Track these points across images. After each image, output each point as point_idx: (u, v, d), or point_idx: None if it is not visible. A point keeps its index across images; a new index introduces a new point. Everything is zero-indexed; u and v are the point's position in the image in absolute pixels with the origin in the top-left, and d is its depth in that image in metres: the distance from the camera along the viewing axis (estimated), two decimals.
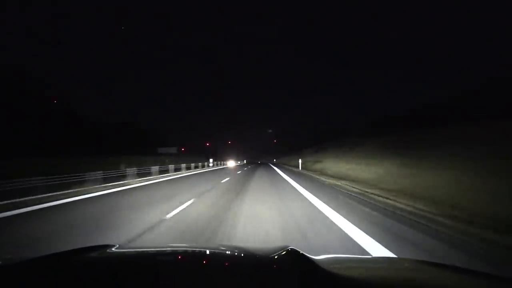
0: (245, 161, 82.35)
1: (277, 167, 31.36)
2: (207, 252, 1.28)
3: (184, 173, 19.56)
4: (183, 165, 22.07)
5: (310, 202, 6.26)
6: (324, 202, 6.11)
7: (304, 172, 18.59)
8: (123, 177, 12.81)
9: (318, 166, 20.21)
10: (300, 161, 24.36)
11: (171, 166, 19.01)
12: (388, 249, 2.98)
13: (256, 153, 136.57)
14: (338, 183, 10.08)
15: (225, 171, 22.72)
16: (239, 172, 19.93)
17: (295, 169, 23.16)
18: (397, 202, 5.75)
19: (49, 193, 7.85)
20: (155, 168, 15.92)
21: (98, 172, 10.95)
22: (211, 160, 32.83)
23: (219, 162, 42.91)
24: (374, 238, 3.37)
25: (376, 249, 3.00)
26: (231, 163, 53.61)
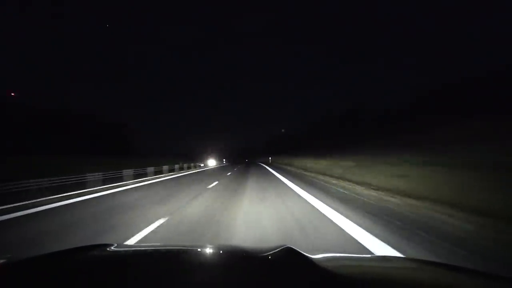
0: (224, 160, 68.29)
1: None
2: (205, 251, 1.23)
3: None
4: None
5: None
6: None
7: None
8: None
9: None
10: None
11: None
12: None
13: (244, 152, 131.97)
14: None
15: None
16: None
17: None
18: None
19: None
20: None
21: None
22: None
23: (188, 165, 27.16)
24: None
25: None
26: (211, 163, 45.85)
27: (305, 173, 15.51)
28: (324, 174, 12.54)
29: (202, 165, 37.77)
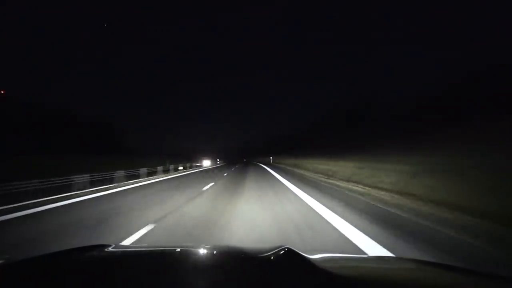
0: (218, 160, 66.11)
1: None
2: (203, 251, 1.22)
3: None
4: None
5: None
6: None
7: None
8: None
9: None
10: None
11: None
12: None
13: (243, 152, 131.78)
14: None
15: None
16: None
17: None
18: None
19: None
20: None
21: None
22: None
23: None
24: None
25: None
26: (205, 163, 46.62)
27: (339, 184, 9.75)
28: (377, 187, 7.88)
29: (181, 168, 29.13)
